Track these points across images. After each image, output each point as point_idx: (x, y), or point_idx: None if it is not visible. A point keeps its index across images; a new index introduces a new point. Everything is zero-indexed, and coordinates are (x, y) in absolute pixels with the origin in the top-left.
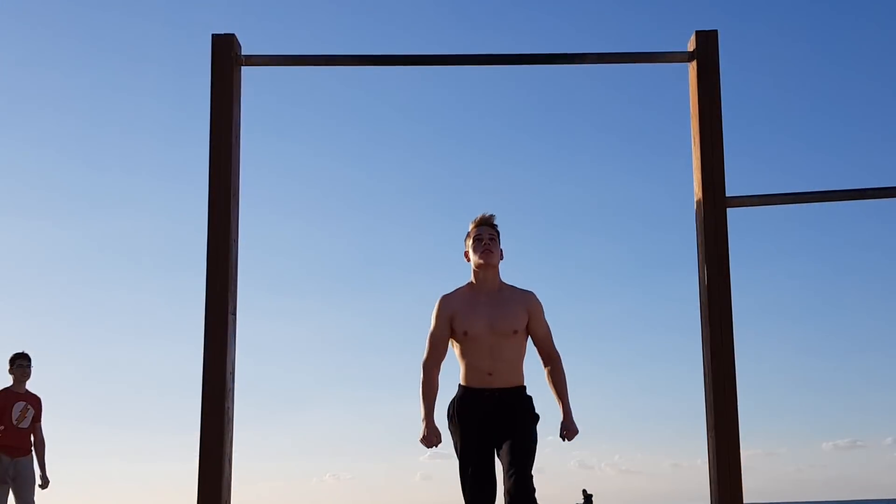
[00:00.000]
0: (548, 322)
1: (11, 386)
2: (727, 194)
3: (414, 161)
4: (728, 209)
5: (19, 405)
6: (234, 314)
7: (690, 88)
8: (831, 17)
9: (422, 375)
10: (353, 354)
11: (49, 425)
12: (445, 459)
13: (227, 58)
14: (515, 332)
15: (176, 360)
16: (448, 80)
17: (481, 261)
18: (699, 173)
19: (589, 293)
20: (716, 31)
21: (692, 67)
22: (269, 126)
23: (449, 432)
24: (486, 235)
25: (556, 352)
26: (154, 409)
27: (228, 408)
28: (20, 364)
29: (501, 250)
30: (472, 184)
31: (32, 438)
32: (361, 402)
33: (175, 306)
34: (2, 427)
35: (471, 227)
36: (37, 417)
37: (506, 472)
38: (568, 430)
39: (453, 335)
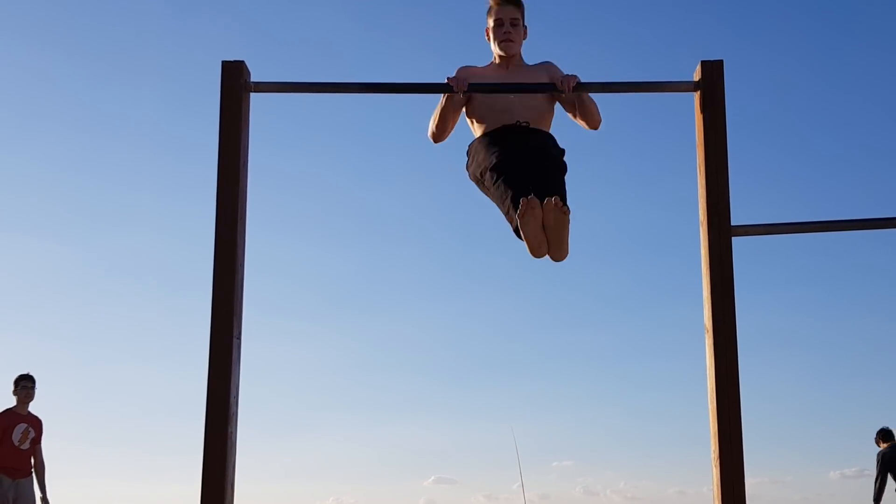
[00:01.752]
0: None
1: (14, 407)
2: (732, 223)
3: (422, 184)
4: (733, 237)
5: (21, 427)
6: (239, 338)
7: (696, 118)
8: (839, 46)
9: (434, 135)
10: (357, 378)
11: (50, 445)
12: (451, 485)
13: (236, 84)
14: (542, 115)
15: (179, 381)
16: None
17: (501, 52)
18: (704, 202)
19: (592, 318)
20: (721, 60)
21: (697, 97)
22: (277, 146)
23: (468, 172)
24: (507, 19)
25: (595, 106)
26: (156, 431)
27: (232, 432)
28: (24, 386)
29: (526, 28)
30: (481, 207)
31: (32, 460)
32: (366, 426)
33: (180, 327)
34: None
35: (491, 1)
36: (37, 439)
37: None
38: (563, 77)
39: (468, 112)
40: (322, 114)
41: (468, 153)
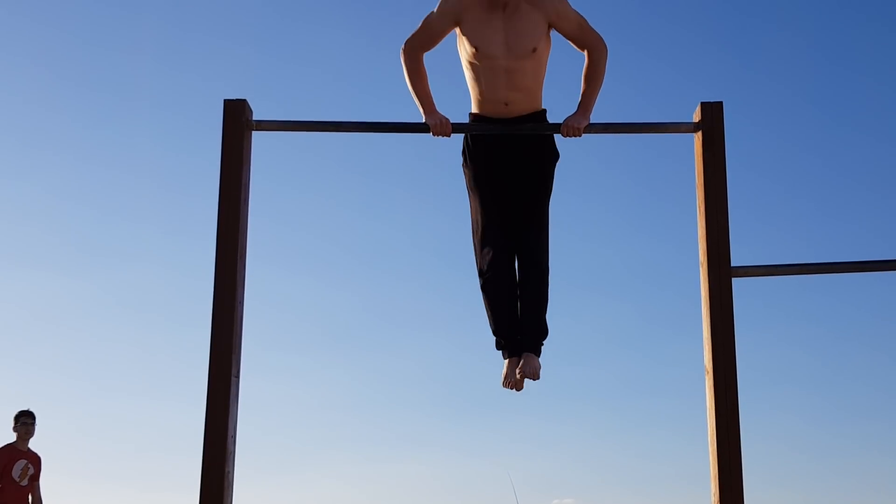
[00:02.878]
0: (576, 11)
1: (14, 443)
2: (733, 264)
3: (424, 218)
4: (734, 278)
5: (20, 463)
6: (238, 376)
7: (696, 159)
8: (842, 85)
9: (403, 60)
10: (356, 414)
11: (46, 481)
12: None
13: (238, 122)
14: (535, 49)
15: (176, 417)
16: (458, 144)
17: None
18: (704, 243)
19: (592, 354)
20: (720, 102)
21: (698, 138)
22: (279, 179)
23: (462, 171)
24: None
25: (596, 36)
26: (152, 468)
27: (229, 471)
28: (24, 422)
29: None
30: None
31: (30, 497)
32: (364, 463)
33: (179, 362)
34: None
35: None
36: (35, 476)
37: (520, 259)
38: (569, 124)
39: (462, 50)
40: (324, 146)
41: (463, 150)
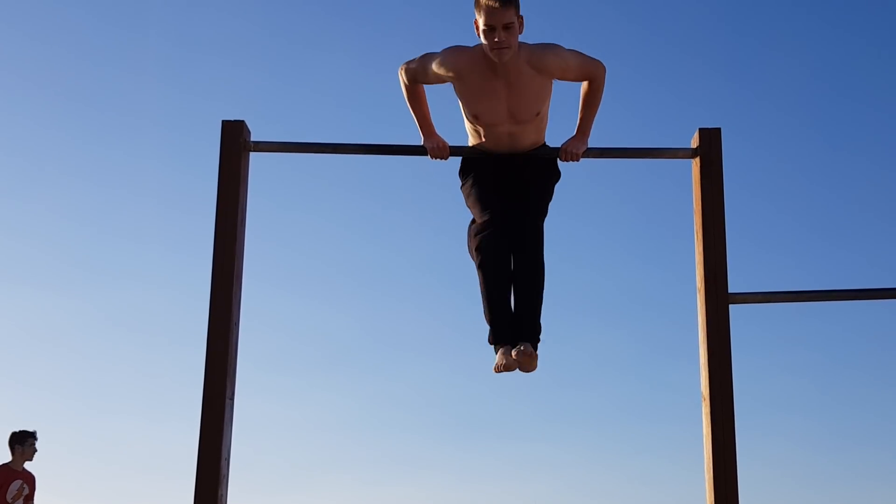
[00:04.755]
0: (571, 52)
1: (11, 463)
2: (730, 290)
3: (422, 241)
4: (731, 305)
5: (16, 484)
6: (232, 398)
7: (693, 184)
8: (842, 113)
9: (402, 82)
10: (354, 437)
11: (40, 500)
12: None
13: (235, 143)
14: (538, 113)
15: (170, 438)
16: (456, 165)
17: (494, 59)
18: (702, 269)
19: (587, 381)
20: (719, 128)
21: (695, 164)
22: (275, 200)
23: (461, 190)
24: (499, 25)
25: (594, 65)
26: (145, 489)
27: (222, 495)
28: (31, 443)
29: (521, 19)
30: None
31: None
32: (360, 486)
33: (173, 383)
34: None
35: None
36: (30, 496)
37: (515, 251)
38: (567, 148)
39: (461, 104)
40: (322, 168)
41: (461, 171)
